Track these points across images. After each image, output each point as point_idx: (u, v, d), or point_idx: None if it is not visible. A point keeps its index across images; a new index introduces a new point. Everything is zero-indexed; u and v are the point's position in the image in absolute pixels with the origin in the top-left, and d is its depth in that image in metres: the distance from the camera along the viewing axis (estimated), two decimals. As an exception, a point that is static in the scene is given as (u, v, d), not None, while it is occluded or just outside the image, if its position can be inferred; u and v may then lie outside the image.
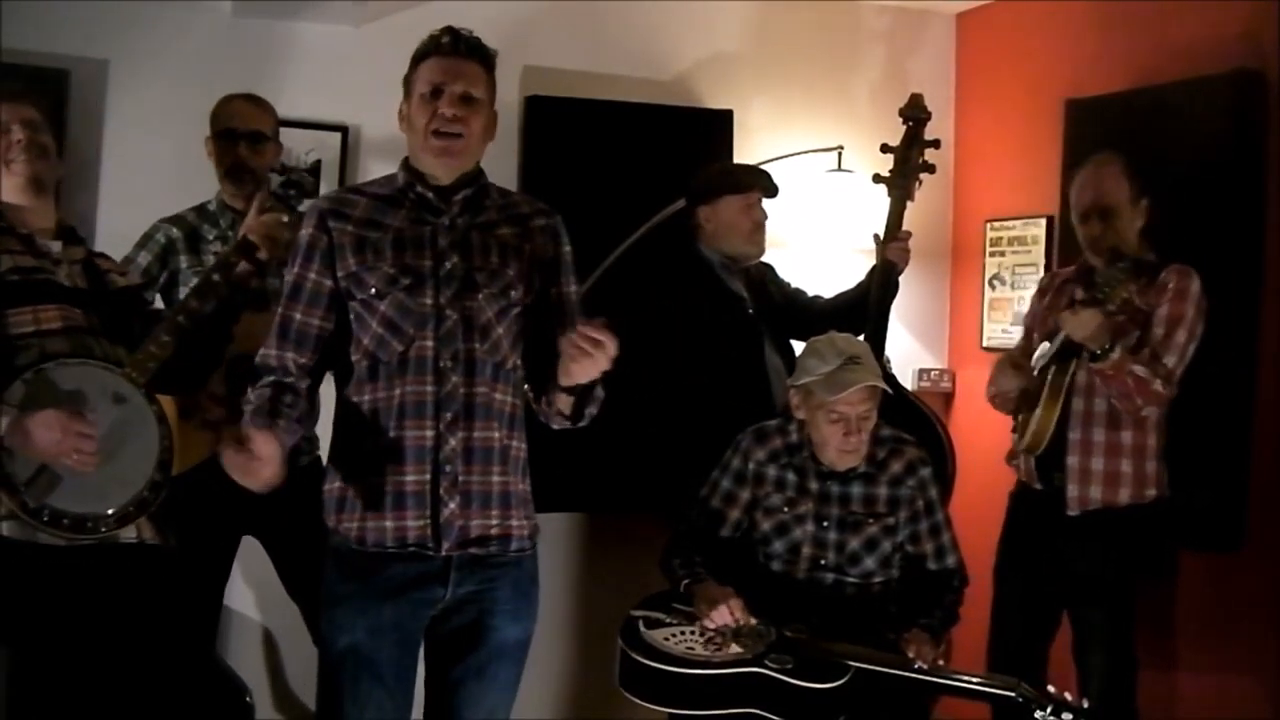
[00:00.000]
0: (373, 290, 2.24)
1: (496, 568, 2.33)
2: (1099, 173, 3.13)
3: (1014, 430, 3.26)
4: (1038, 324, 3.30)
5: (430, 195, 2.30)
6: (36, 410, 2.24)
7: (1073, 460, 3.08)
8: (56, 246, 2.48)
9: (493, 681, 2.35)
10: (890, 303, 3.56)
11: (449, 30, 2.29)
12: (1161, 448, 3.12)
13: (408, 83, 2.32)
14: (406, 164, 2.34)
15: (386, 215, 2.29)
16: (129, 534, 2.39)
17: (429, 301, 2.24)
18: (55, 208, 2.54)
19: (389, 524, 2.24)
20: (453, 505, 2.25)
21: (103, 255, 2.65)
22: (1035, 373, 3.12)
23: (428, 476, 2.24)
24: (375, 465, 2.25)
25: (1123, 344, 2.92)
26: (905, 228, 3.54)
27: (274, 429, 2.14)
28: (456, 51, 2.28)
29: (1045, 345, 3.12)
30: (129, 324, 2.51)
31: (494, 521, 2.30)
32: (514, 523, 2.34)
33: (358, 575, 2.27)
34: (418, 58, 2.30)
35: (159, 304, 3.02)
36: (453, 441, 2.24)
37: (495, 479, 2.30)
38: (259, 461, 2.08)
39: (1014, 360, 3.20)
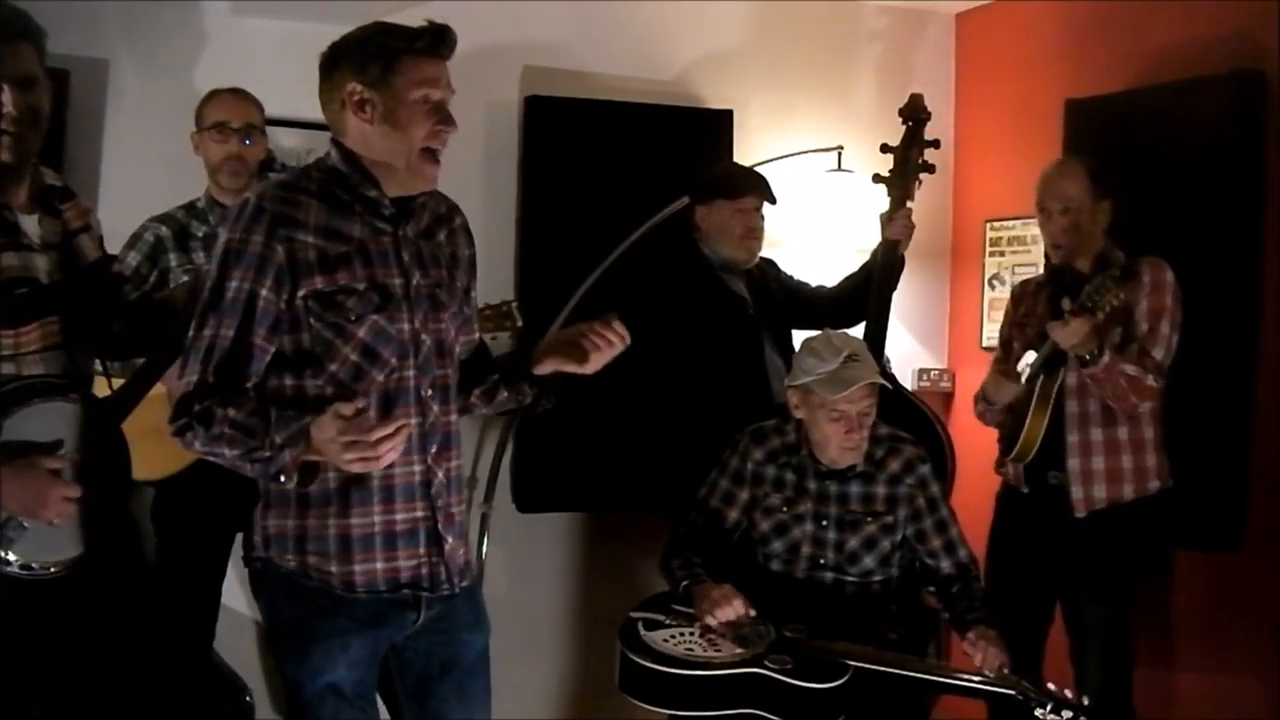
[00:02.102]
0: (352, 315, 2.06)
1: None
2: (1059, 170, 3.20)
3: (999, 440, 3.28)
4: (1016, 333, 3.31)
5: (387, 203, 2.11)
6: (20, 466, 2.07)
7: (1074, 463, 3.09)
8: (34, 224, 2.23)
9: (473, 699, 2.28)
10: (895, 283, 3.55)
11: (445, 30, 2.09)
12: (1160, 439, 3.14)
13: (382, 69, 2.05)
14: (354, 161, 2.10)
15: (343, 223, 2.08)
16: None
17: (406, 326, 2.10)
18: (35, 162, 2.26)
19: (379, 565, 2.10)
20: (450, 540, 2.16)
21: (68, 196, 2.35)
22: (1024, 382, 3.12)
23: (419, 514, 2.12)
24: (361, 504, 2.09)
25: (1109, 345, 2.95)
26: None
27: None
28: (449, 56, 2.10)
29: (1030, 355, 3.12)
30: (99, 306, 2.32)
31: (462, 551, 2.23)
32: (471, 548, 2.28)
33: (334, 614, 2.11)
34: (407, 50, 2.05)
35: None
36: (440, 474, 2.15)
37: (463, 508, 2.25)
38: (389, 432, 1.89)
39: (1005, 371, 3.18)
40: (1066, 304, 2.89)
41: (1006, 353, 3.33)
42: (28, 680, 2.24)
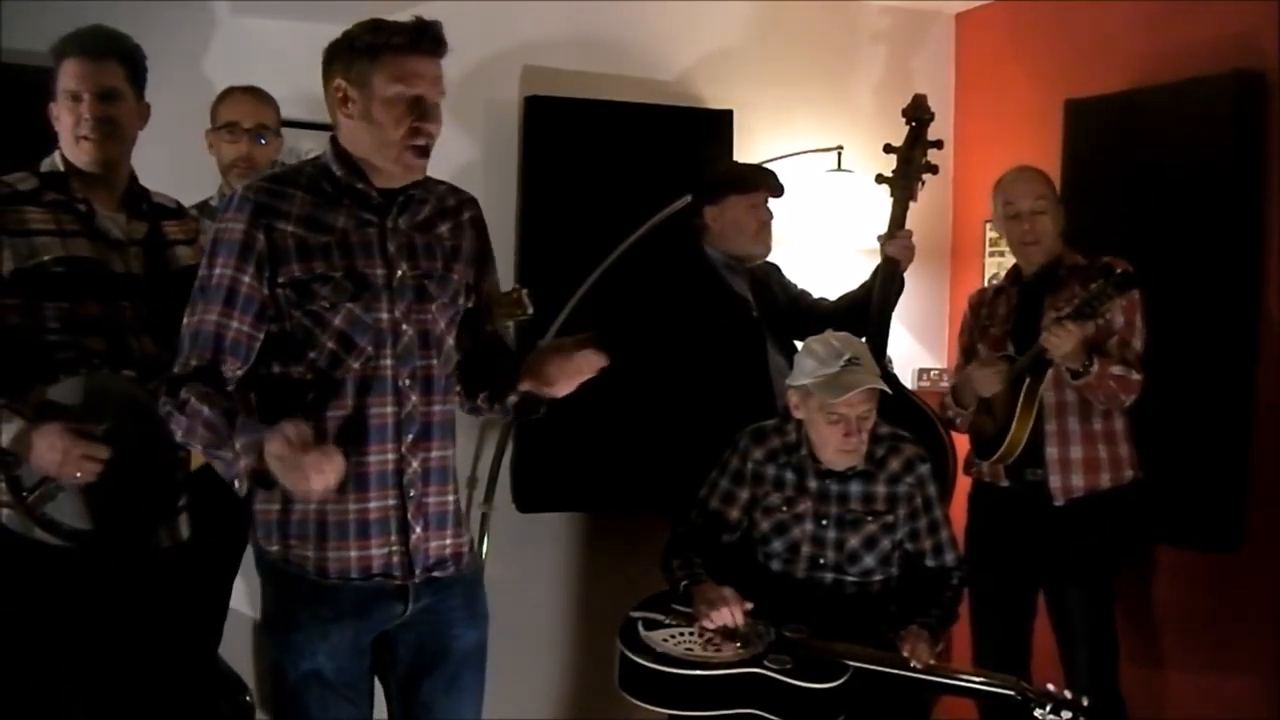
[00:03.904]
0: (325, 303, 2.08)
1: (448, 579, 2.25)
2: (1027, 175, 3.28)
3: (974, 443, 3.31)
4: (981, 337, 3.34)
5: (374, 195, 2.14)
6: (43, 425, 2.18)
7: (1052, 451, 3.14)
8: (118, 223, 2.40)
9: (462, 692, 2.29)
10: (894, 302, 3.56)
11: (429, 26, 2.07)
12: (1129, 429, 3.18)
13: (362, 68, 2.06)
14: (344, 156, 2.13)
15: (327, 214, 2.11)
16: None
17: (384, 315, 2.12)
18: (128, 164, 2.45)
19: (352, 554, 2.13)
20: (419, 530, 2.17)
21: (175, 214, 2.53)
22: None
23: (391, 502, 2.14)
24: (335, 490, 2.03)
25: (1096, 352, 2.98)
26: (905, 228, 3.54)
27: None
28: (435, 51, 2.09)
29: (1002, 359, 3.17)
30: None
31: (448, 543, 2.23)
32: (462, 541, 2.27)
33: (314, 600, 2.15)
34: (386, 45, 2.05)
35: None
36: (415, 464, 2.16)
37: (450, 498, 2.24)
38: (328, 459, 1.88)
39: (986, 360, 3.21)
40: (1063, 310, 2.91)
41: (967, 359, 3.39)
42: (66, 659, 2.30)
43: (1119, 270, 2.89)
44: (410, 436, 2.15)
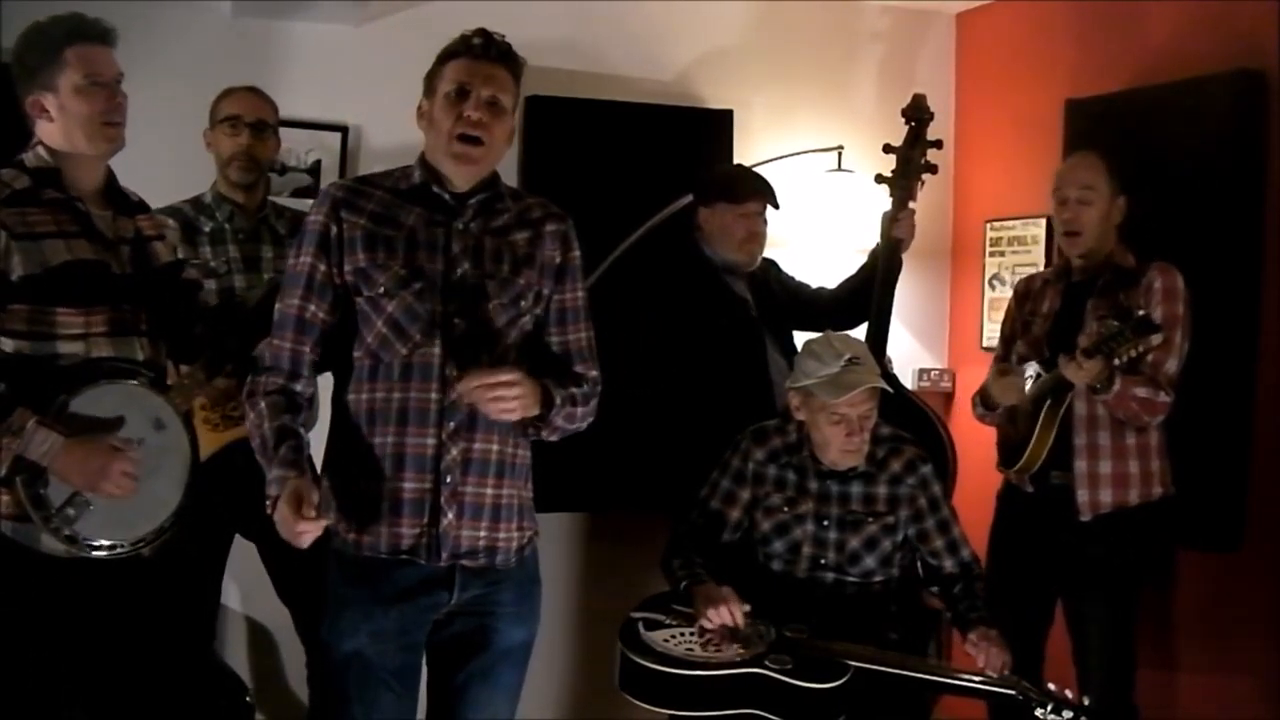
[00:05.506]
0: (381, 289, 2.21)
1: (499, 572, 2.33)
2: (1080, 162, 3.20)
3: (1000, 449, 3.28)
4: (1020, 331, 3.31)
5: (446, 197, 2.27)
6: (86, 440, 2.19)
7: (1080, 465, 3.08)
8: (107, 220, 2.38)
9: (497, 685, 2.36)
10: (894, 284, 3.55)
11: (482, 32, 2.25)
12: (1164, 444, 3.13)
13: (431, 79, 2.27)
14: (424, 161, 2.29)
15: (400, 212, 2.26)
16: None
17: (437, 308, 2.22)
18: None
19: (384, 530, 2.22)
20: (450, 515, 2.24)
21: (144, 209, 2.54)
22: (1028, 394, 3.10)
23: (427, 485, 2.22)
24: (373, 469, 2.22)
25: (1119, 372, 2.90)
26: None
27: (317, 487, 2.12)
28: (487, 55, 2.23)
29: (1033, 366, 3.11)
30: (169, 307, 2.47)
31: (481, 534, 2.28)
32: (500, 535, 2.31)
33: (362, 580, 2.25)
34: (446, 56, 2.25)
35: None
36: (454, 451, 2.23)
37: (489, 491, 2.28)
38: (310, 529, 2.05)
39: (1004, 370, 3.19)
40: (1082, 341, 2.87)
41: (1007, 349, 3.33)
42: (65, 663, 2.30)
43: (1140, 314, 2.83)
44: (452, 425, 2.23)
